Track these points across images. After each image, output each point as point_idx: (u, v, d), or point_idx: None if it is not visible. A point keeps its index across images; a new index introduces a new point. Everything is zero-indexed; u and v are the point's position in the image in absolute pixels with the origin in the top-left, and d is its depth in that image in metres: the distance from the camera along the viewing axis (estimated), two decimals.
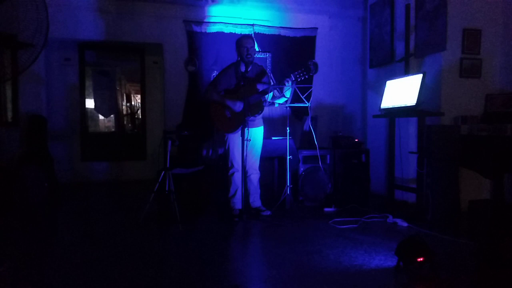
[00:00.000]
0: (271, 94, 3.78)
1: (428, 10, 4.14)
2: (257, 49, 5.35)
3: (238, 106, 3.61)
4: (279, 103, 3.92)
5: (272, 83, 3.79)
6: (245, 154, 3.54)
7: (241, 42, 3.66)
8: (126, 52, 6.74)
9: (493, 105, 3.88)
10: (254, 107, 3.66)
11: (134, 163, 6.54)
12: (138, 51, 6.50)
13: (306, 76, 3.60)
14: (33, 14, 3.20)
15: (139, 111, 7.75)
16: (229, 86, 3.71)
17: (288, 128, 4.05)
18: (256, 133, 3.81)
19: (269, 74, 3.96)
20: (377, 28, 5.11)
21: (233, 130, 3.66)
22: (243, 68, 3.65)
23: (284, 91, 3.70)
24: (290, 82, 3.63)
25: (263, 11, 5.72)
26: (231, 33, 5.58)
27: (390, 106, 4.02)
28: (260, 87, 3.67)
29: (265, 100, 3.80)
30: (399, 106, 3.85)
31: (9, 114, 4.99)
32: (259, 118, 3.83)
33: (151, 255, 2.76)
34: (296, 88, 3.88)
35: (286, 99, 3.78)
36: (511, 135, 3.22)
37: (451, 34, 3.91)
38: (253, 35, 5.52)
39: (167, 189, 3.51)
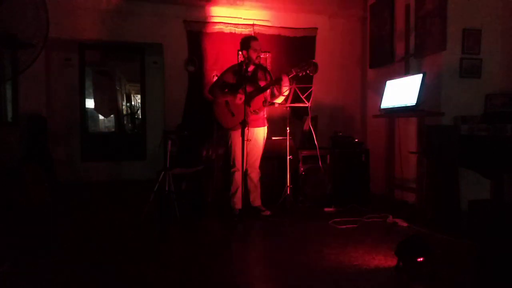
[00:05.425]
0: (270, 92, 3.81)
1: (428, 10, 4.13)
2: None
3: (239, 99, 3.65)
4: (278, 103, 3.94)
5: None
6: (245, 154, 3.55)
7: (250, 43, 3.71)
8: (126, 52, 6.74)
9: (493, 105, 3.88)
10: (255, 103, 3.69)
11: (134, 163, 6.53)
12: (138, 51, 6.49)
13: (307, 71, 3.61)
14: (33, 14, 3.20)
15: (139, 111, 7.75)
16: (232, 83, 3.77)
17: (288, 128, 4.06)
18: (258, 133, 3.83)
19: (269, 72, 4.00)
20: (377, 28, 5.11)
21: (235, 126, 3.68)
22: (245, 67, 3.72)
23: (283, 91, 3.71)
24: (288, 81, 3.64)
25: (263, 11, 5.72)
26: (231, 33, 5.57)
27: (390, 106, 4.02)
28: (262, 83, 3.72)
29: (266, 100, 3.81)
30: (399, 106, 3.85)
31: (9, 114, 4.99)
32: (261, 118, 3.85)
33: (151, 255, 2.76)
34: (296, 88, 3.89)
35: (284, 97, 3.81)
36: (511, 135, 3.22)
37: (451, 34, 3.90)
38: (253, 35, 5.52)
39: (167, 189, 3.51)
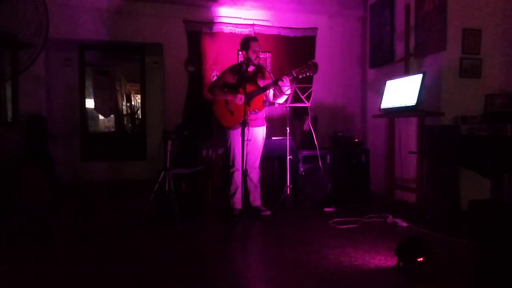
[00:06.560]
0: (271, 93, 3.81)
1: (428, 10, 4.13)
2: None
3: (239, 100, 3.65)
4: (279, 103, 3.94)
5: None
6: (244, 154, 3.55)
7: (249, 44, 3.72)
8: (126, 52, 6.73)
9: (493, 105, 3.88)
10: (255, 102, 3.69)
11: (134, 163, 6.54)
12: (138, 51, 6.49)
13: (307, 73, 3.61)
14: (33, 14, 3.19)
15: (139, 111, 7.76)
16: (232, 83, 3.78)
17: (288, 128, 4.06)
18: (258, 133, 3.83)
19: (269, 72, 4.00)
20: (377, 28, 5.11)
21: (234, 125, 3.69)
22: (245, 66, 3.72)
23: (284, 90, 3.73)
24: (289, 81, 3.65)
25: (263, 11, 5.72)
26: (231, 33, 5.58)
27: (390, 106, 4.02)
28: (262, 83, 3.72)
29: (266, 100, 3.82)
30: (399, 106, 3.85)
31: (9, 114, 4.99)
32: (261, 118, 3.85)
33: (151, 255, 2.76)
34: (296, 88, 3.89)
35: (286, 96, 3.81)
36: (511, 135, 3.22)
37: (451, 34, 3.91)
38: (253, 35, 5.52)
39: (167, 189, 3.51)
